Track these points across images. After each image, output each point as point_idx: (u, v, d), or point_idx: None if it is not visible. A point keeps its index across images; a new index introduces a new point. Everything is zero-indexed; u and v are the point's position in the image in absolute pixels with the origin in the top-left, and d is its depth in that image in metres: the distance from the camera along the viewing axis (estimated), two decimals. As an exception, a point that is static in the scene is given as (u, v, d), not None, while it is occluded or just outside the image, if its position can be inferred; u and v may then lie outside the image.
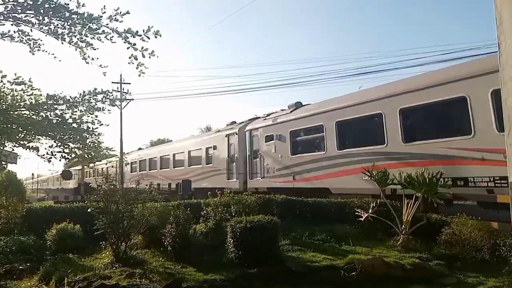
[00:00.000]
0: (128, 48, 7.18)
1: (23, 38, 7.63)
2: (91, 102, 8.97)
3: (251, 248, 6.57)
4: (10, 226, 8.85)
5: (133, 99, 31.24)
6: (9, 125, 8.08)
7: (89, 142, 9.19)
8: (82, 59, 7.79)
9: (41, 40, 7.90)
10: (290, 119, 14.66)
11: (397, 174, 8.63)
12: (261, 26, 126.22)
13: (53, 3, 6.81)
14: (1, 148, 8.88)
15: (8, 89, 8.31)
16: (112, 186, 7.46)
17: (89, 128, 8.86)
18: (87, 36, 7.38)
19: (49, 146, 8.67)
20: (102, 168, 33.35)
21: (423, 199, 8.07)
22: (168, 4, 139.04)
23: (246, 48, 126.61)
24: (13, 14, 7.09)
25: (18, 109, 8.43)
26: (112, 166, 33.48)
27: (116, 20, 6.93)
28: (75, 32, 7.35)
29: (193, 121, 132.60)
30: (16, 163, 14.21)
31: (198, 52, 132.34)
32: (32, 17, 7.14)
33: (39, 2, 6.72)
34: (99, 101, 9.00)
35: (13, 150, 9.42)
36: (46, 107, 8.60)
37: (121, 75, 31.70)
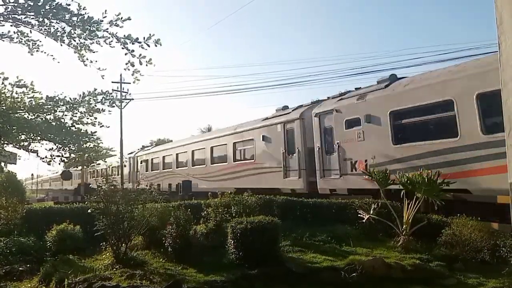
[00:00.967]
0: (126, 54, 7.20)
1: (22, 39, 7.64)
2: (91, 103, 8.99)
3: (251, 249, 6.56)
4: (10, 227, 8.84)
5: (133, 99, 31.02)
6: (8, 127, 8.10)
7: (88, 146, 9.21)
8: (81, 61, 7.80)
9: (40, 41, 7.92)
10: (389, 95, 11.03)
11: None
12: (261, 26, 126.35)
13: (54, 4, 6.82)
14: (1, 148, 8.90)
15: (8, 91, 8.33)
16: (112, 187, 7.45)
17: (88, 132, 8.89)
18: (86, 40, 7.40)
19: (49, 149, 8.70)
20: (106, 168, 33.07)
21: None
22: (168, 4, 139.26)
23: (246, 48, 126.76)
24: (13, 15, 7.11)
25: (18, 111, 8.45)
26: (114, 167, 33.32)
27: (117, 25, 6.95)
28: (74, 35, 7.37)
29: (193, 121, 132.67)
30: (15, 164, 14.25)
31: (198, 52, 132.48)
32: (32, 18, 7.15)
33: (39, 3, 6.73)
34: (99, 102, 9.02)
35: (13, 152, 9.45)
36: (45, 109, 8.63)
37: (121, 75, 31.06)
